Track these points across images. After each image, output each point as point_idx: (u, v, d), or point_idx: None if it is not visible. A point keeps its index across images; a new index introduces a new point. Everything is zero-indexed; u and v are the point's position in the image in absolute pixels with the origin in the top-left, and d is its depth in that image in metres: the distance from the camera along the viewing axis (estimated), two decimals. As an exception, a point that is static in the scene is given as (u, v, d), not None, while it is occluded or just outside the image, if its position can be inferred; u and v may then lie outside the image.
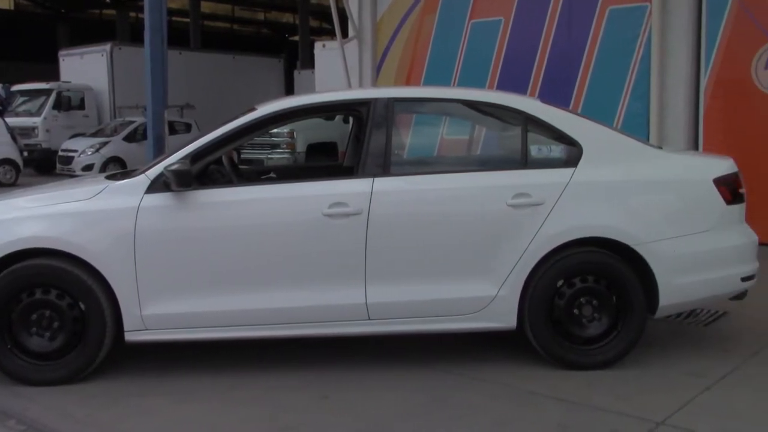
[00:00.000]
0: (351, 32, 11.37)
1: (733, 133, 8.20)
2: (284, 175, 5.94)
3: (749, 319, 5.33)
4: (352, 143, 5.66)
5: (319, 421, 3.81)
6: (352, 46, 11.31)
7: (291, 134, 14.67)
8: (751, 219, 4.75)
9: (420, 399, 4.04)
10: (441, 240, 4.34)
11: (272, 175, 5.65)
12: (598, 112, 7.81)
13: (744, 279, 4.57)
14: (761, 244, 4.75)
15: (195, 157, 4.34)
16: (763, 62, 7.97)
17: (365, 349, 4.76)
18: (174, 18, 33.87)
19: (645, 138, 7.87)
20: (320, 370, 4.46)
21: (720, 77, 8.27)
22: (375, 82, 11.17)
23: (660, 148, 5.10)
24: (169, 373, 4.46)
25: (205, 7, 33.27)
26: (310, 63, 20.62)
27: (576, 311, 4.36)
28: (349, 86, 11.01)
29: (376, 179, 4.35)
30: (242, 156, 14.64)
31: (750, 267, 4.61)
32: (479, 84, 9.79)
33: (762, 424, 3.64)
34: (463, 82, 10.08)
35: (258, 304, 4.27)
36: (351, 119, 6.64)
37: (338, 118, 15.20)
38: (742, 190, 4.64)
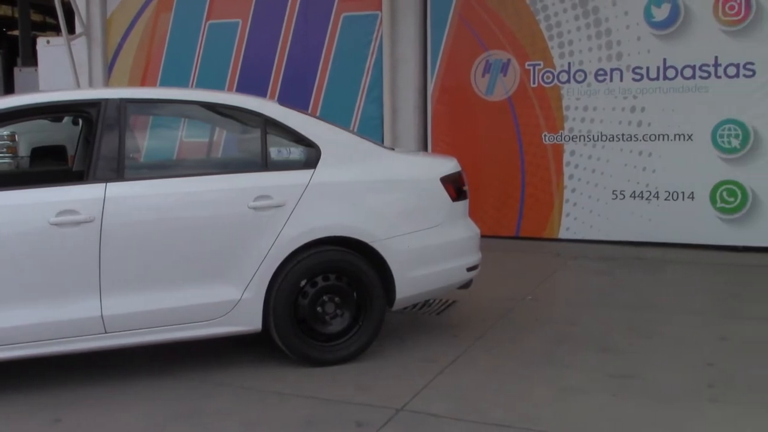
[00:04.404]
0: (78, 28, 10.67)
1: (457, 135, 8.90)
2: (4, 181, 5.44)
3: (475, 306, 5.82)
4: (83, 147, 5.32)
5: (52, 446, 3.54)
6: (80, 44, 10.60)
7: (12, 137, 13.41)
8: (473, 213, 5.21)
9: (164, 411, 3.90)
10: (181, 245, 4.23)
11: (-11, 181, 5.15)
12: (336, 114, 8.06)
13: (469, 269, 4.97)
14: (483, 236, 5.22)
15: None
16: (481, 70, 8.73)
17: (104, 365, 4.50)
18: None
19: (379, 140, 8.28)
20: (52, 392, 4.14)
21: (444, 83, 8.93)
22: (107, 82, 10.58)
23: (392, 149, 5.40)
24: None
25: None
26: (32, 60, 19.03)
27: (319, 309, 4.46)
28: (78, 86, 10.33)
29: (109, 184, 4.13)
30: (-46, 162, 13.13)
31: (474, 258, 5.03)
32: (218, 86, 9.67)
33: (486, 400, 3.99)
34: (202, 84, 9.88)
35: (-24, 325, 3.86)
36: (80, 121, 6.24)
37: (67, 119, 14.17)
38: (466, 188, 5.05)
